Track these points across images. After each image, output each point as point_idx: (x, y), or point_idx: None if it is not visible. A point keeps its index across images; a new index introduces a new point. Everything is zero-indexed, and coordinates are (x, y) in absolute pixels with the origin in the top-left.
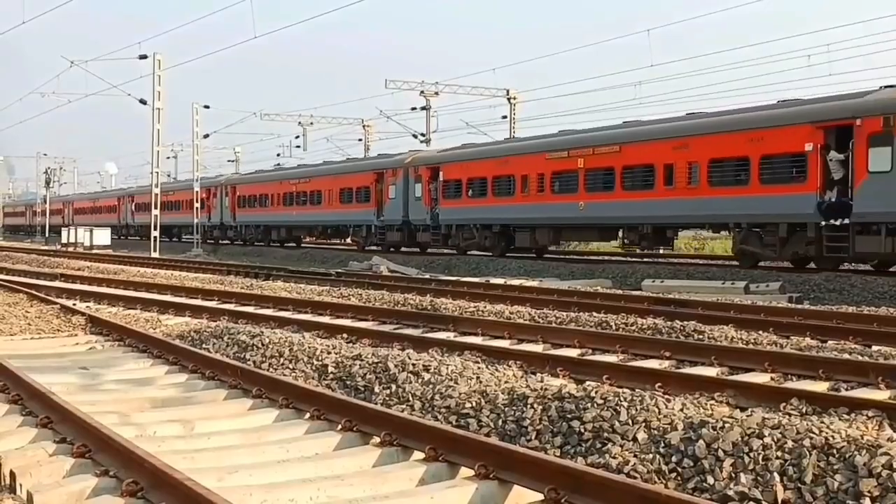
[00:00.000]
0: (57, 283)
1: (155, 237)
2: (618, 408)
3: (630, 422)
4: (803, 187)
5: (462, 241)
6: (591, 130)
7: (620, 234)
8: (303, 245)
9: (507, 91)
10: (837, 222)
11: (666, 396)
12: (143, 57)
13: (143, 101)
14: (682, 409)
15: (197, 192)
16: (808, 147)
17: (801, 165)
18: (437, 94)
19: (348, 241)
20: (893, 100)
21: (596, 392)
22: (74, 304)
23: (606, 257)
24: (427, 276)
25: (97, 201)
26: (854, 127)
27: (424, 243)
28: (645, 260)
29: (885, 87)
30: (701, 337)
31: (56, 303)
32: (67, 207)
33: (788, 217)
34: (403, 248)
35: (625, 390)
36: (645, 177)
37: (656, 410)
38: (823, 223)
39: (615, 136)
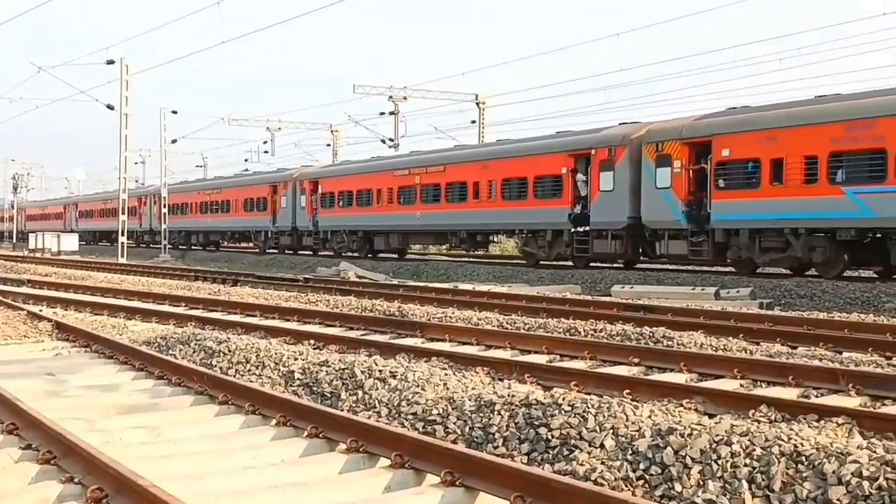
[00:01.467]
0: (24, 289)
1: (123, 243)
2: (585, 414)
3: (598, 429)
4: (561, 202)
5: (336, 245)
6: (436, 151)
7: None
8: (269, 251)
9: (476, 96)
10: (581, 230)
11: (634, 403)
12: (111, 62)
13: (110, 107)
14: (650, 416)
15: (165, 196)
16: (564, 171)
17: (559, 185)
18: (405, 98)
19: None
20: (615, 135)
21: (563, 399)
22: (41, 310)
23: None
24: (395, 281)
25: (46, 209)
26: (591, 155)
27: (308, 247)
28: (615, 266)
29: (621, 123)
30: (670, 343)
31: (23, 309)
32: (20, 214)
33: (552, 225)
34: (300, 251)
35: (593, 397)
36: (461, 192)
37: (624, 417)
38: (573, 230)
39: (441, 158)
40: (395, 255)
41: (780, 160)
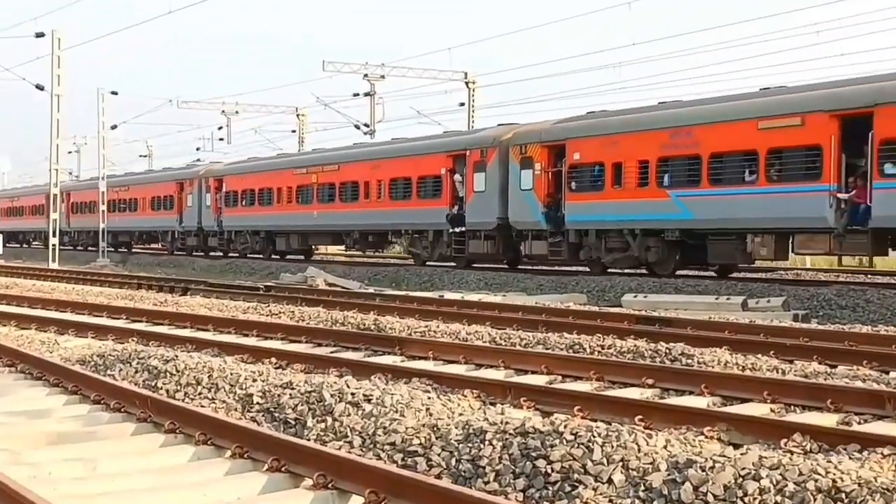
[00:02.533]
0: None
1: (54, 245)
2: (591, 444)
3: (605, 461)
4: (440, 203)
5: (239, 246)
6: (346, 148)
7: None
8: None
9: (465, 74)
10: (458, 230)
11: (647, 431)
12: (40, 35)
13: (39, 87)
14: (665, 447)
15: (104, 192)
16: (443, 171)
17: (439, 186)
18: (383, 77)
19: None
20: (486, 136)
21: (565, 426)
22: None
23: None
24: (371, 290)
25: (17, 200)
26: (466, 156)
27: (213, 248)
28: (626, 272)
29: (500, 124)
30: (690, 362)
31: None
32: None
33: (433, 226)
34: (208, 252)
35: (599, 424)
36: (354, 192)
37: (636, 448)
38: (451, 230)
39: (336, 157)
40: (302, 257)
41: (619, 164)
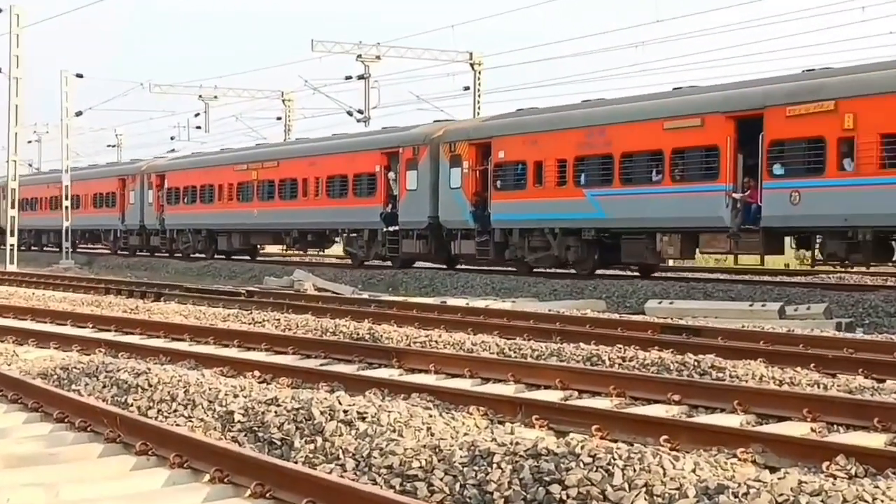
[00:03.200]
0: None
1: (12, 245)
2: (610, 468)
3: (626, 486)
4: (374, 201)
5: (181, 245)
6: (292, 143)
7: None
8: (215, 257)
9: (470, 55)
10: (392, 229)
11: (674, 453)
12: None
13: None
14: (694, 470)
15: (68, 185)
16: (377, 169)
17: (374, 183)
18: (378, 58)
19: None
20: (418, 134)
21: (582, 447)
22: None
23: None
24: (365, 295)
25: None
26: (399, 153)
27: (156, 247)
28: (651, 276)
29: (436, 121)
30: (721, 375)
31: None
32: None
33: (368, 224)
34: (141, 253)
35: (620, 445)
36: (293, 189)
37: (661, 471)
38: (385, 229)
39: (276, 153)
40: (247, 257)
41: (540, 163)
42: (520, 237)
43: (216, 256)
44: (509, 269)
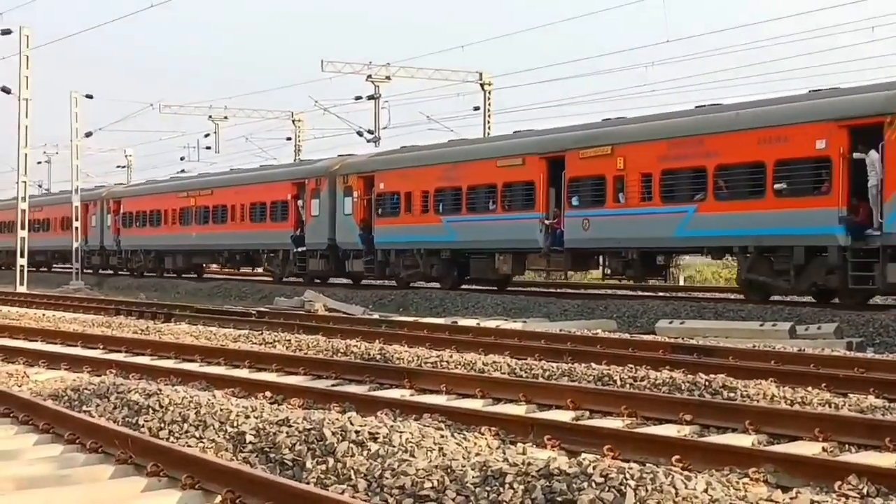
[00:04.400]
0: None
1: (22, 266)
2: (622, 488)
3: None
4: (287, 225)
5: (135, 264)
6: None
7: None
8: (207, 277)
9: (480, 75)
10: (300, 249)
11: (686, 473)
12: (7, 32)
13: (5, 90)
14: (706, 490)
15: (77, 206)
16: (289, 197)
17: (286, 210)
18: (388, 78)
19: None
20: (320, 167)
21: (594, 467)
22: None
23: (609, 291)
24: (376, 315)
25: None
26: (305, 184)
27: (114, 266)
28: (659, 295)
29: (339, 155)
30: (732, 395)
31: None
32: None
33: (282, 246)
34: (117, 271)
35: (632, 465)
36: (223, 214)
37: (673, 491)
38: (295, 250)
39: (211, 182)
40: (195, 275)
41: (410, 193)
42: (396, 257)
43: (164, 275)
44: (392, 285)
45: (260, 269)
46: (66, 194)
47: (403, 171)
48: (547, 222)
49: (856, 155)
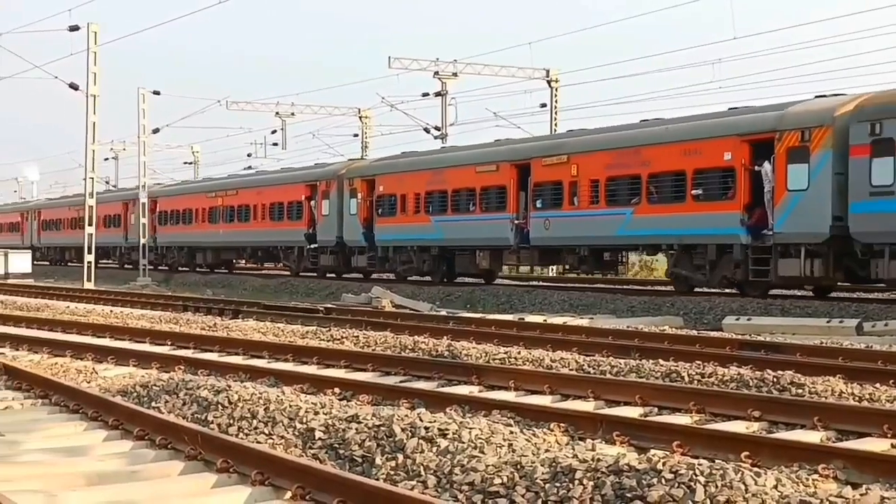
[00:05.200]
0: None
1: (89, 263)
2: (692, 484)
3: (709, 502)
4: (301, 224)
5: (170, 260)
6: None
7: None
8: (282, 274)
9: (547, 72)
10: (313, 246)
11: (755, 469)
12: (75, 28)
13: (74, 86)
14: (776, 486)
15: (144, 203)
16: (303, 198)
17: (301, 210)
18: (455, 75)
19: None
20: (329, 171)
21: (664, 464)
22: None
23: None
24: (443, 312)
25: None
26: (317, 186)
27: (151, 261)
28: (726, 292)
29: (350, 159)
30: (800, 392)
31: None
32: None
33: (296, 243)
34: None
35: (701, 461)
36: (246, 213)
37: (742, 488)
38: (309, 247)
39: (234, 184)
40: (226, 270)
41: (404, 195)
42: (394, 253)
43: (197, 270)
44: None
45: (280, 265)
46: (110, 193)
47: (399, 175)
48: (517, 222)
49: (756, 166)
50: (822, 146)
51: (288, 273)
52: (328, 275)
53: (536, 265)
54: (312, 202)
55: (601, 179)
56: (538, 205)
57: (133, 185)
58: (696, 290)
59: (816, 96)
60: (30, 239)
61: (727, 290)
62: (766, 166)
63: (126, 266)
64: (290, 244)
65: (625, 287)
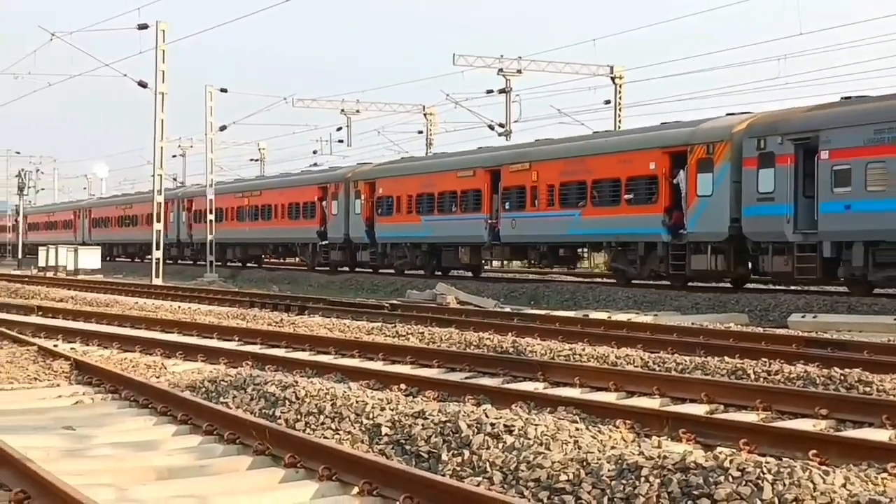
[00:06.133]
0: (33, 318)
1: (157, 259)
2: (760, 482)
3: (776, 501)
4: (314, 223)
5: (235, 257)
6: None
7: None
8: (355, 270)
9: (611, 68)
10: (324, 243)
11: (823, 467)
12: (144, 27)
13: (142, 84)
14: (844, 485)
15: (211, 200)
16: (316, 199)
17: (314, 210)
18: (519, 72)
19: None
20: (338, 174)
21: (731, 461)
22: (56, 346)
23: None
24: (507, 308)
25: (52, 215)
26: (328, 188)
27: (186, 256)
28: (792, 289)
29: (358, 163)
30: (868, 389)
31: (32, 343)
32: (7, 223)
33: (311, 240)
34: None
35: (769, 459)
36: (268, 213)
37: (811, 486)
38: (320, 243)
39: (259, 185)
40: (255, 265)
41: (400, 197)
42: (392, 249)
43: (228, 264)
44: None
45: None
46: (145, 193)
47: (396, 179)
48: (490, 222)
49: (674, 175)
50: (723, 158)
51: (306, 267)
52: (339, 269)
53: (507, 260)
54: (324, 203)
55: (556, 185)
56: (507, 206)
57: (172, 186)
58: (762, 288)
59: (727, 114)
60: (81, 235)
61: (793, 288)
62: (681, 175)
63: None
64: (305, 241)
65: (689, 284)
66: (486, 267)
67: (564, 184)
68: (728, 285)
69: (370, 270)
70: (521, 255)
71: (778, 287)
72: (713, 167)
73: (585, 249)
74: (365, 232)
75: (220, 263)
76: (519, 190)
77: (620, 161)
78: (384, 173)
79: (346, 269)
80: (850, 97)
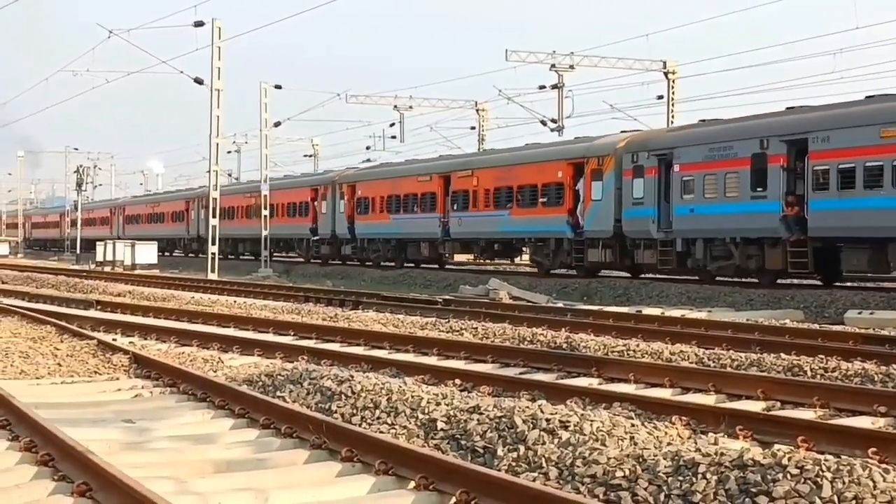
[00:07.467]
0: (92, 313)
1: (213, 254)
2: (819, 480)
3: (836, 499)
4: (308, 220)
5: (223, 248)
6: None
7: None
8: (405, 266)
9: (664, 63)
10: (315, 239)
11: (883, 466)
12: (200, 24)
13: (198, 81)
14: None
15: (266, 196)
16: (309, 199)
17: (307, 208)
18: (572, 67)
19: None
20: (327, 177)
21: (789, 459)
22: (114, 340)
23: (795, 280)
24: (560, 304)
25: (92, 212)
26: (318, 189)
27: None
28: (847, 285)
29: (348, 168)
30: None
31: (92, 337)
32: (63, 219)
33: (305, 235)
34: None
35: (827, 457)
36: (272, 210)
37: (870, 484)
38: (313, 239)
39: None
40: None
41: (374, 198)
42: (368, 244)
43: (241, 258)
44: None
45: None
46: (171, 193)
47: (371, 182)
48: (443, 220)
49: (576, 182)
50: (609, 169)
51: (302, 260)
52: (329, 262)
53: (457, 254)
54: (316, 203)
55: (491, 189)
56: (455, 207)
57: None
58: (818, 284)
59: (621, 131)
60: (116, 231)
61: (849, 284)
62: (581, 182)
63: (189, 255)
64: (300, 236)
65: (743, 280)
66: (482, 259)
67: (497, 189)
68: (786, 282)
69: (357, 263)
70: (468, 250)
71: (834, 284)
72: (603, 176)
73: (524, 245)
74: (347, 229)
75: (233, 257)
76: (465, 193)
77: (537, 170)
78: (363, 177)
79: (336, 262)
80: (705, 120)
